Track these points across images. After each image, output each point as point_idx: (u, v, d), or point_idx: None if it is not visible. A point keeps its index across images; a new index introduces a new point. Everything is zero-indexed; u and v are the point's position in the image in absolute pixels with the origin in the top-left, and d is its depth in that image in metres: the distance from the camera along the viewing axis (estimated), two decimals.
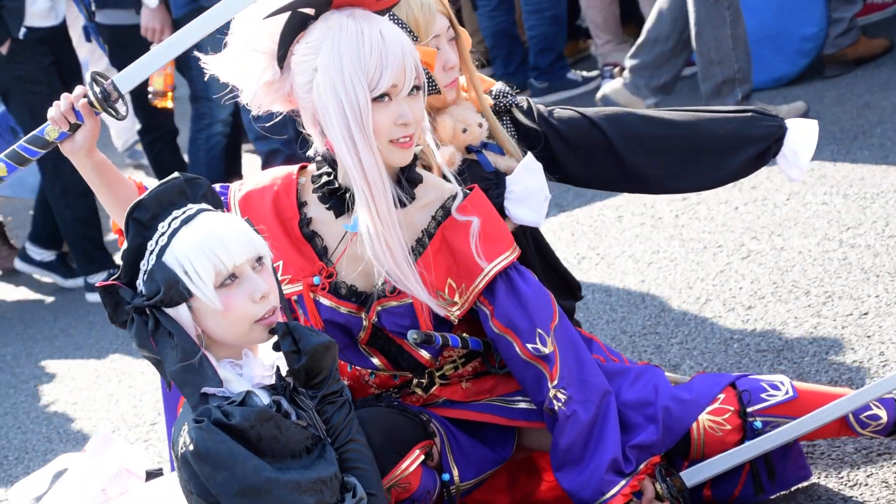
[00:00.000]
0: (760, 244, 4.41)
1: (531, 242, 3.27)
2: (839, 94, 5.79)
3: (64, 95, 2.67)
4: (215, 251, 2.42)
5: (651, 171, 3.18)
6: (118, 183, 2.79)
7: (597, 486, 2.73)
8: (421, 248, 2.77)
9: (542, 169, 3.02)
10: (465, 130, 3.07)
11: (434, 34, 3.03)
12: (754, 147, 3.13)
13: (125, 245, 2.49)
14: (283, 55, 2.66)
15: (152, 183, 2.64)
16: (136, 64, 2.72)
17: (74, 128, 2.67)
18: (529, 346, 2.76)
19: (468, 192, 2.82)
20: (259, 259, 2.49)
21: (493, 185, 3.01)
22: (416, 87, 2.67)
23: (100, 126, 2.73)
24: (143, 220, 2.47)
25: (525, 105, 3.20)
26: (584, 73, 7.06)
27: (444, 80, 3.05)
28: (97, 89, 2.67)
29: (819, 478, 2.97)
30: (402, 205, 2.70)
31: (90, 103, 2.69)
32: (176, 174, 2.55)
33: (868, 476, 2.92)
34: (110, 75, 2.79)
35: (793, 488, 2.95)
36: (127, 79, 2.72)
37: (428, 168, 2.92)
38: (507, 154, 3.13)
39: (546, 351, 2.76)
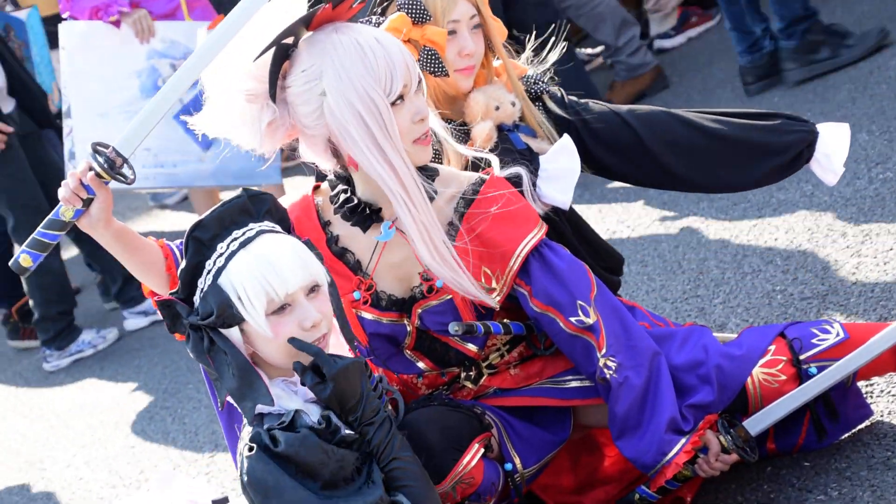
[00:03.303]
0: (789, 193, 4.37)
1: (567, 225, 3.25)
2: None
3: (70, 173, 2.63)
4: (269, 279, 2.43)
5: (682, 171, 3.16)
6: (141, 247, 2.75)
7: (658, 448, 2.71)
8: (451, 241, 2.76)
9: (576, 150, 3.01)
10: (497, 108, 3.07)
11: (453, 19, 3.04)
12: (786, 153, 3.11)
13: (183, 263, 2.51)
14: (274, 91, 2.65)
15: (175, 232, 2.63)
16: (133, 125, 2.67)
17: (88, 202, 2.63)
18: (573, 319, 2.74)
19: (485, 177, 2.81)
20: (315, 287, 2.49)
21: (526, 161, 3.00)
22: (419, 82, 2.67)
23: (111, 195, 2.68)
24: (203, 239, 2.49)
25: (558, 94, 3.18)
26: (590, 51, 7.03)
27: (457, 64, 3.05)
28: (101, 159, 2.62)
29: (882, 415, 2.94)
30: (431, 200, 2.70)
31: (97, 175, 2.63)
32: (240, 191, 2.56)
33: None
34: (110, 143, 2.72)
35: (856, 429, 2.92)
36: (127, 142, 2.66)
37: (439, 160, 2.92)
38: (539, 136, 3.12)
39: (590, 321, 2.74)
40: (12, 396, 6.06)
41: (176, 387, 5.19)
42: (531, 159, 3.02)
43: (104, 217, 2.65)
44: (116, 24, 5.46)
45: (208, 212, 2.52)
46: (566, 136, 3.02)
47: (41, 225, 2.69)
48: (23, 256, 2.69)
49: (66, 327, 6.07)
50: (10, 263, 2.75)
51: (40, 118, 6.09)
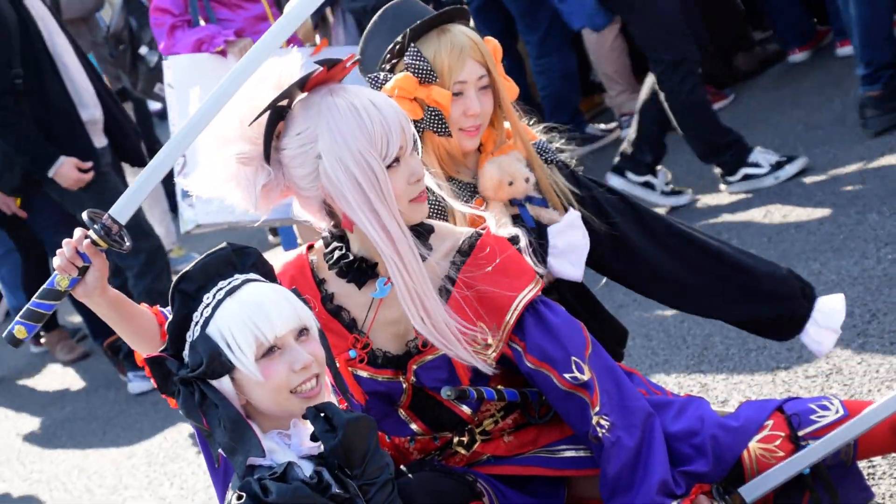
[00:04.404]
0: (797, 270, 4.32)
1: (571, 295, 3.23)
2: None
3: (65, 242, 2.61)
4: (256, 323, 2.41)
5: (672, 289, 3.17)
6: (135, 314, 2.72)
7: None
8: (446, 297, 2.74)
9: (583, 225, 3.00)
10: (511, 183, 3.04)
11: (460, 80, 3.03)
12: (777, 305, 3.11)
13: (171, 317, 2.49)
14: (269, 154, 2.65)
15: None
16: (128, 192, 2.65)
17: (83, 271, 2.60)
18: (567, 375, 2.71)
19: (481, 232, 2.79)
20: (303, 330, 2.47)
21: (535, 238, 2.98)
22: (415, 143, 2.67)
23: (108, 263, 2.65)
24: (189, 291, 2.47)
25: (568, 168, 3.17)
26: (602, 126, 7.06)
27: (462, 124, 3.05)
28: (97, 227, 2.60)
29: (883, 498, 2.89)
30: (423, 259, 2.69)
31: (93, 242, 2.60)
32: (224, 244, 2.54)
33: None
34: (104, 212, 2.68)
35: None
36: (123, 209, 2.64)
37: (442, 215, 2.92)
38: (551, 203, 3.10)
39: (584, 378, 2.71)
40: (14, 458, 6.03)
41: (176, 451, 5.15)
42: (540, 234, 3.01)
43: (100, 285, 2.62)
44: (223, 53, 5.33)
45: (192, 264, 2.51)
46: (573, 212, 3.01)
47: (35, 295, 2.65)
48: (17, 328, 2.65)
49: None
50: (3, 336, 2.71)
51: (131, 157, 6.05)
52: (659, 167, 5.67)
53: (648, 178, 5.64)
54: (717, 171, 5.51)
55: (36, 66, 5.54)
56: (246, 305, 2.43)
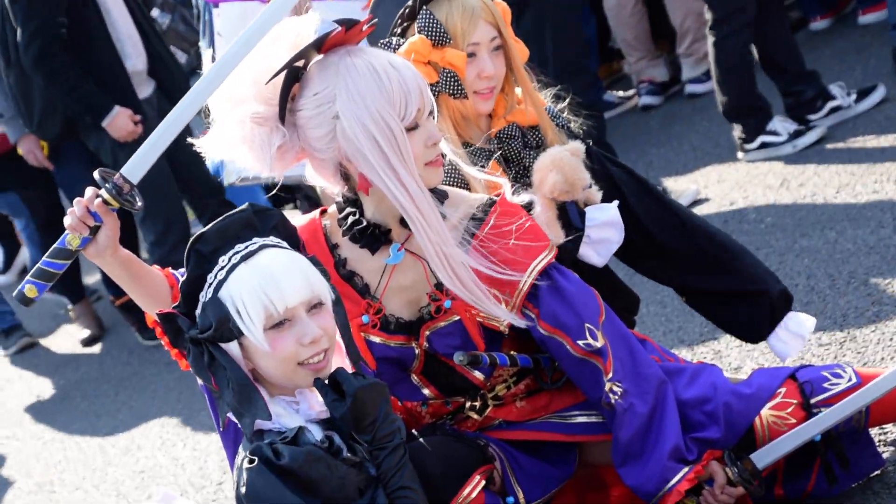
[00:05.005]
0: (813, 240, 4.32)
1: (584, 263, 3.22)
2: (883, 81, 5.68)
3: (77, 201, 2.59)
4: (268, 293, 2.40)
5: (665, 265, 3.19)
6: (146, 275, 2.70)
7: (660, 476, 2.67)
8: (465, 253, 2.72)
9: (622, 225, 3.01)
10: (567, 192, 2.97)
11: (473, 41, 3.02)
12: (758, 298, 3.12)
13: (185, 275, 2.48)
14: (284, 114, 2.64)
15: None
16: (141, 151, 2.63)
17: (95, 230, 2.57)
18: (580, 342, 2.70)
19: (495, 199, 2.78)
20: (317, 303, 2.46)
21: (576, 234, 2.99)
22: (432, 106, 2.65)
23: (118, 222, 2.62)
24: (205, 252, 2.46)
25: (579, 137, 3.16)
26: (620, 93, 7.02)
27: (477, 86, 3.03)
28: (109, 185, 2.57)
29: (893, 465, 2.87)
30: (443, 217, 2.68)
31: (105, 201, 2.58)
32: (246, 205, 2.52)
33: None
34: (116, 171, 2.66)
35: (867, 477, 2.85)
36: (135, 168, 2.61)
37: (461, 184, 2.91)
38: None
39: (598, 345, 2.70)
40: (28, 418, 6.06)
41: (190, 413, 5.17)
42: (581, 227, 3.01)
43: (111, 245, 2.60)
44: None
45: (210, 224, 2.49)
46: (614, 208, 3.00)
47: (46, 254, 2.63)
48: (28, 287, 2.64)
49: None
50: (13, 295, 2.70)
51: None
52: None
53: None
54: (737, 135, 5.45)
55: (80, 14, 5.46)
56: (259, 274, 2.41)
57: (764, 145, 5.37)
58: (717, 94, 5.47)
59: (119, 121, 5.49)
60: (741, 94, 5.38)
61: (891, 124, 5.08)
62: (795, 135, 5.33)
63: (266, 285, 2.40)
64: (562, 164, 2.97)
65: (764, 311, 3.12)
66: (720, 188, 5.25)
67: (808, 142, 5.30)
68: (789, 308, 3.15)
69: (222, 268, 2.44)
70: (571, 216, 3.00)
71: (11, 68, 5.68)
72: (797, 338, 3.12)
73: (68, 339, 7.07)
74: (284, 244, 2.51)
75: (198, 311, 2.47)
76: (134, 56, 5.71)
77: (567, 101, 3.25)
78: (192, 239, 2.47)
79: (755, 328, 3.15)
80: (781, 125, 5.36)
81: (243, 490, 2.38)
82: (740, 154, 5.47)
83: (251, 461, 2.38)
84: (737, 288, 3.14)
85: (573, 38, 5.44)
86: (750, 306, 3.13)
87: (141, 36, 5.76)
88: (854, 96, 5.39)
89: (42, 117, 5.76)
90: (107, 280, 6.44)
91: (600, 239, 3.01)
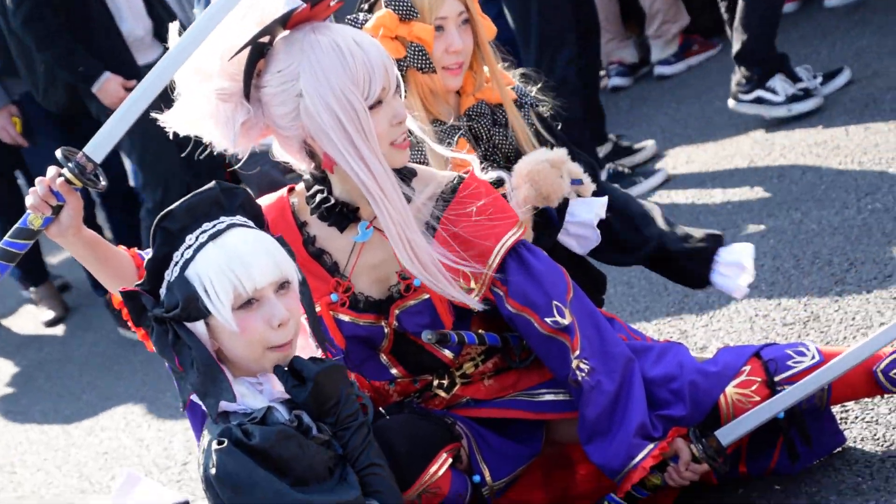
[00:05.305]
0: (779, 220, 4.33)
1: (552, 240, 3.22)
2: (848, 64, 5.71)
3: (39, 180, 2.54)
4: (236, 273, 2.38)
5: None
6: (112, 256, 2.67)
7: (626, 452, 2.68)
8: (429, 241, 2.71)
9: (597, 229, 3.05)
10: (546, 197, 2.99)
11: (440, 15, 3.00)
12: (683, 240, 3.16)
13: (151, 253, 2.45)
14: (248, 91, 2.61)
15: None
16: (104, 130, 2.59)
17: (57, 210, 2.53)
18: (548, 319, 2.70)
19: (464, 176, 2.77)
20: (284, 283, 2.44)
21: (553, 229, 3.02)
22: (398, 84, 2.63)
23: (82, 202, 2.59)
24: (172, 230, 2.43)
25: (545, 116, 3.16)
26: None
27: (445, 61, 3.02)
28: (71, 165, 2.54)
29: (854, 442, 2.89)
30: (408, 201, 2.66)
31: (67, 181, 2.54)
32: (213, 183, 2.49)
33: None
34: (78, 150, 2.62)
35: (829, 454, 2.87)
36: (98, 147, 2.57)
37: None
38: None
39: (565, 322, 2.70)
40: None
41: (154, 394, 5.14)
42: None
43: (74, 224, 2.57)
44: None
45: (178, 202, 2.47)
46: (599, 211, 3.03)
47: (8, 234, 2.59)
48: None
49: None
50: None
51: None
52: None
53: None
54: (735, 81, 5.34)
55: None
56: (227, 253, 2.39)
57: (759, 100, 5.24)
58: (735, 35, 5.29)
59: (109, 87, 5.35)
60: (759, 39, 5.18)
61: (856, 107, 5.10)
62: (792, 98, 5.20)
63: (234, 265, 2.38)
64: (537, 178, 2.97)
65: (695, 257, 3.15)
66: (688, 168, 5.26)
67: (803, 109, 5.18)
68: (719, 244, 3.16)
69: (189, 246, 2.42)
70: (550, 213, 3.01)
71: (13, 35, 5.54)
72: (736, 267, 3.12)
73: (31, 319, 7.01)
74: (251, 224, 2.50)
75: (162, 290, 2.45)
76: (131, 20, 5.59)
77: (538, 83, 3.24)
78: (158, 216, 2.45)
79: (696, 276, 3.18)
80: (781, 85, 5.21)
81: (213, 472, 2.36)
82: (731, 102, 5.35)
83: (220, 443, 2.37)
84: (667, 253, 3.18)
85: (560, 10, 5.42)
86: (681, 260, 3.16)
87: (144, 1, 5.64)
88: (820, 79, 5.39)
89: (46, 86, 5.63)
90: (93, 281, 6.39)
91: (578, 235, 3.03)
